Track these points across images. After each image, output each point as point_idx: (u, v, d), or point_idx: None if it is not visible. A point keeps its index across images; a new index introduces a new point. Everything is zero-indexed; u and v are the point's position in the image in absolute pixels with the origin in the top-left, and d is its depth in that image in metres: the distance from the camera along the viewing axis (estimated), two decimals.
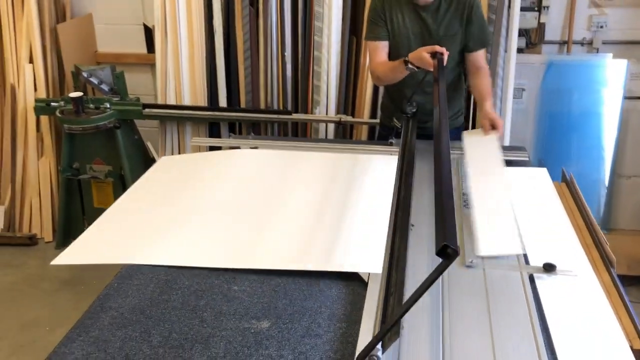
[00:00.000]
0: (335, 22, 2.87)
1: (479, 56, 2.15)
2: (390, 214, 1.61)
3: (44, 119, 3.28)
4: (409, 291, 1.28)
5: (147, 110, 3.00)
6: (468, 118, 2.82)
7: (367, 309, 1.28)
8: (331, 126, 3.03)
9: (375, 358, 0.97)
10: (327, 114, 2.98)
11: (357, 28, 3.00)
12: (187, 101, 3.10)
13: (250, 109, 3.02)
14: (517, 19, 2.76)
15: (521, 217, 1.63)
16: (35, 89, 3.29)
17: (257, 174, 1.95)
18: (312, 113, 2.97)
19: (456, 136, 2.24)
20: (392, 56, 2.14)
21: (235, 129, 3.14)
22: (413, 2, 2.07)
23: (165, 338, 1.25)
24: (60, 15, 3.37)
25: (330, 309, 1.32)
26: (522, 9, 3.02)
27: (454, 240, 0.92)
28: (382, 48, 2.14)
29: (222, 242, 1.57)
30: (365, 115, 2.94)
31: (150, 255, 1.51)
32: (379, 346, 0.98)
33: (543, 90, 3.12)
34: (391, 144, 2.17)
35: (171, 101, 3.11)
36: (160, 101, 3.13)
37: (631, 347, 1.22)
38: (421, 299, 1.27)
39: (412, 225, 1.60)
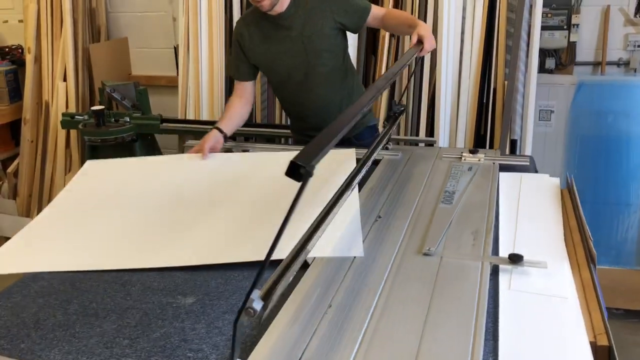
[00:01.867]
0: (352, 40, 2.83)
1: (373, 16, 2.05)
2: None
3: (73, 136, 3.39)
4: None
5: (164, 124, 3.03)
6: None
7: (298, 288, 1.18)
8: None
9: (251, 310, 0.86)
10: None
11: (376, 46, 2.95)
12: (205, 116, 3.12)
13: (265, 124, 3.00)
14: (537, 33, 2.63)
15: (509, 216, 1.50)
16: (67, 106, 3.41)
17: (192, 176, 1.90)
18: None
19: (369, 135, 2.14)
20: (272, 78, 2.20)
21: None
22: (266, 18, 2.03)
23: (84, 307, 1.19)
24: (96, 37, 3.52)
25: None
26: (550, 28, 2.89)
27: (309, 160, 0.82)
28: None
29: (146, 242, 1.48)
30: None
31: (70, 260, 1.39)
32: (257, 299, 0.87)
33: (573, 112, 2.94)
34: (387, 149, 2.06)
35: (190, 117, 3.15)
36: (180, 116, 3.17)
37: (595, 344, 1.04)
38: (358, 281, 1.17)
39: (379, 217, 1.49)
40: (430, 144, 2.73)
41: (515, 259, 1.24)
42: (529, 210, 1.56)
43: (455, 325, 1.04)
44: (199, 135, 3.09)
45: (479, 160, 1.89)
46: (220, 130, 2.07)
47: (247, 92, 2.18)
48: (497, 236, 1.41)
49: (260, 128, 2.97)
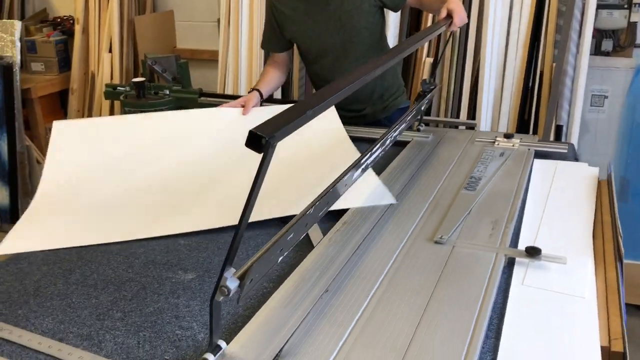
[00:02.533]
0: (394, 21, 2.73)
1: None
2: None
3: (117, 107, 3.45)
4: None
5: (203, 98, 3.03)
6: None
7: (298, 269, 1.14)
8: None
9: (225, 289, 0.83)
10: None
11: (419, 28, 2.84)
12: (243, 92, 3.10)
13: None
14: (592, 11, 2.46)
15: (536, 206, 1.41)
16: (112, 78, 3.47)
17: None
18: None
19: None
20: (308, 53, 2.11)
21: None
22: None
23: (84, 277, 1.19)
24: (142, 9, 3.55)
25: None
26: (609, 6, 2.70)
27: (271, 131, 0.77)
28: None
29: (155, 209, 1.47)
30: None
31: (82, 235, 1.36)
32: (231, 278, 0.84)
33: (630, 98, 2.75)
34: (418, 130, 1.98)
35: (229, 92, 3.13)
36: (219, 91, 3.16)
37: (609, 349, 0.96)
38: (360, 266, 1.12)
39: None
40: (470, 127, 2.62)
41: (532, 252, 1.16)
42: (559, 201, 1.46)
43: (455, 319, 0.97)
44: None
45: (513, 146, 1.78)
46: (260, 92, 2.06)
47: (281, 61, 2.16)
48: (519, 227, 1.32)
49: (277, 104, 2.91)
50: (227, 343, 0.92)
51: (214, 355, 0.89)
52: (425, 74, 2.73)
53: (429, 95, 1.90)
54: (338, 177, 1.19)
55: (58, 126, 1.73)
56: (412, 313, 0.99)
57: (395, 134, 1.55)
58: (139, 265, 1.23)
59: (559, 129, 2.49)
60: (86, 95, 3.57)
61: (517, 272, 1.14)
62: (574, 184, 1.56)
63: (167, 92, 3.09)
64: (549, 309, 1.03)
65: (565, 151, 1.76)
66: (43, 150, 3.70)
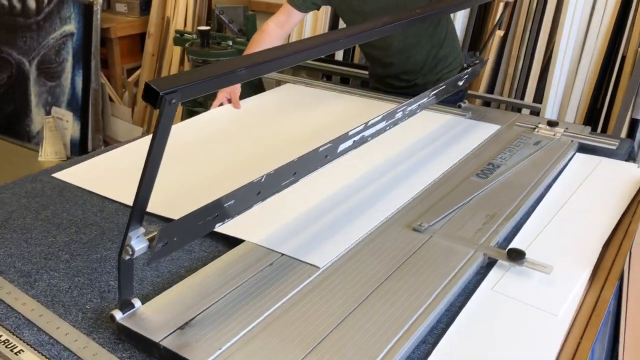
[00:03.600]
0: None
1: None
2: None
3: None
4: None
5: None
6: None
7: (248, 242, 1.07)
8: None
9: (129, 248, 0.78)
10: None
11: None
12: None
13: (363, 65, 2.83)
14: None
15: (552, 205, 1.26)
16: (185, 24, 3.50)
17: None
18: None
19: (453, 102, 1.82)
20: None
21: (349, 82, 2.98)
22: None
23: (54, 215, 1.19)
24: None
25: None
26: None
27: (167, 86, 0.69)
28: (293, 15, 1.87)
29: None
30: (481, 89, 2.56)
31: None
32: (136, 238, 0.79)
33: None
34: (459, 107, 1.82)
35: None
36: None
37: None
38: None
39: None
40: (535, 112, 2.41)
41: (514, 255, 1.02)
42: (583, 202, 1.28)
43: (391, 318, 0.87)
44: (297, 69, 3.03)
45: (555, 135, 1.59)
46: None
47: (290, 24, 1.92)
48: (520, 226, 1.17)
49: (356, 69, 2.81)
50: (143, 303, 0.89)
51: (122, 313, 0.85)
52: (493, 48, 2.52)
53: (469, 70, 1.73)
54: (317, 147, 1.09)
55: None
56: (345, 305, 0.90)
57: (411, 107, 1.42)
58: (110, 211, 1.21)
59: (634, 123, 2.22)
60: (161, 40, 3.64)
61: (492, 275, 1.01)
62: (609, 185, 1.36)
63: (231, 43, 3.07)
64: (510, 322, 0.90)
65: (615, 147, 1.55)
66: (118, 89, 3.84)
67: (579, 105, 2.36)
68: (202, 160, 1.44)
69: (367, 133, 1.25)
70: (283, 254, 1.03)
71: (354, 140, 1.21)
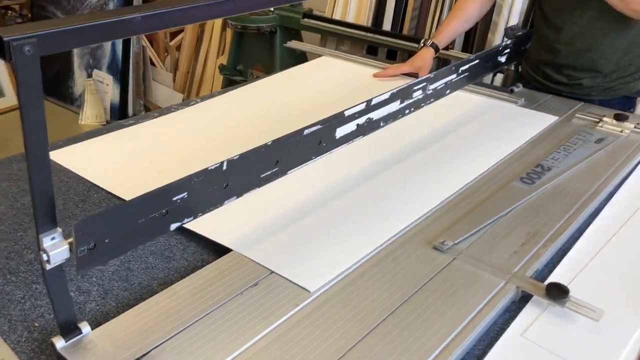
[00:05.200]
0: None
1: None
2: None
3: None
4: None
5: (306, 20, 2.79)
6: None
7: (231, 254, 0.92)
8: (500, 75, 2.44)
9: (44, 254, 0.64)
10: None
11: None
12: (351, 18, 2.81)
13: (411, 36, 2.59)
14: None
15: (609, 223, 1.04)
16: None
17: None
18: None
19: (621, 106, 1.55)
20: None
21: (396, 57, 2.75)
22: None
23: None
24: None
25: None
26: None
27: (20, 31, 0.53)
28: None
29: None
30: None
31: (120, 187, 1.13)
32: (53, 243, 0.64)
33: None
34: (511, 92, 1.59)
35: (337, 16, 2.85)
36: (327, 14, 2.90)
37: None
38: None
39: None
40: None
41: (554, 291, 0.82)
42: None
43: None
44: (341, 38, 2.82)
45: (622, 131, 1.35)
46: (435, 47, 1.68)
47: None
48: (567, 249, 0.97)
49: (404, 41, 2.57)
50: (94, 328, 0.75)
51: (65, 341, 0.72)
52: None
53: (507, 42, 1.49)
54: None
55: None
56: (338, 344, 0.73)
57: (434, 85, 1.20)
58: (93, 202, 1.08)
59: None
60: None
61: (525, 315, 0.82)
62: None
63: (272, 8, 2.89)
64: None
65: None
66: (160, 53, 3.73)
67: None
68: (200, 144, 1.29)
69: (374, 116, 1.05)
70: (272, 272, 0.86)
71: (357, 125, 1.02)
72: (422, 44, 1.69)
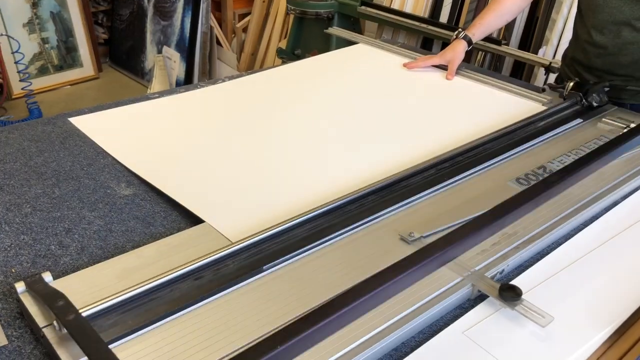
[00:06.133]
0: None
1: None
2: None
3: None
4: None
5: (363, 8, 2.78)
6: None
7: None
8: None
9: None
10: (554, 57, 2.31)
11: None
12: (408, 8, 2.77)
13: (430, 20, 2.53)
14: None
15: (603, 231, 1.01)
16: None
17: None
18: (533, 52, 2.34)
19: None
20: None
21: None
22: None
23: (44, 164, 1.16)
24: None
25: None
26: None
27: None
28: None
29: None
30: None
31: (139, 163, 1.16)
32: None
33: None
34: (543, 90, 1.54)
35: (396, 6, 2.83)
36: (386, 3, 2.88)
37: None
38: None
39: None
40: None
41: (507, 293, 0.81)
42: (634, 242, 1.00)
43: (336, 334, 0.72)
44: (397, 28, 2.79)
45: None
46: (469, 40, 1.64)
47: None
48: (546, 254, 0.94)
49: (440, 28, 2.49)
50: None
51: (26, 287, 0.78)
52: None
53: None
54: None
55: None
56: (285, 309, 0.76)
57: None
58: (98, 167, 1.15)
59: None
60: None
61: (474, 313, 0.81)
62: None
63: None
64: None
65: None
66: (227, 34, 3.83)
67: None
68: (210, 125, 1.34)
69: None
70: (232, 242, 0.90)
71: None
72: (455, 36, 1.66)
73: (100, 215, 1.00)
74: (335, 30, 1.95)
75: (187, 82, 3.67)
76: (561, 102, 1.42)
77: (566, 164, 1.16)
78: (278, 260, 0.85)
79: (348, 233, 0.94)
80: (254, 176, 1.12)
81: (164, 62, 3.71)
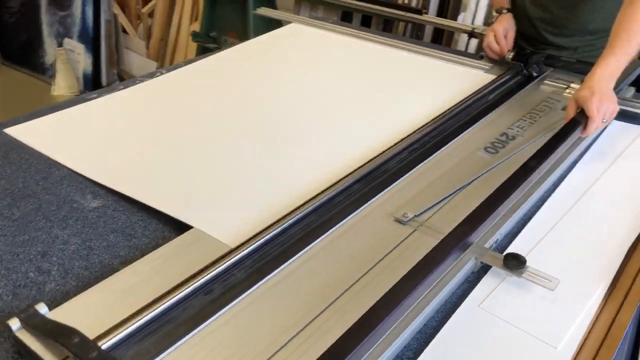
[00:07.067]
0: None
1: None
2: None
3: None
4: None
5: None
6: None
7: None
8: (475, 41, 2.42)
9: None
10: (472, 23, 2.39)
11: None
12: None
13: (383, 1, 2.55)
14: None
15: (570, 192, 1.05)
16: None
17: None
18: (451, 19, 2.41)
19: None
20: None
21: (370, 23, 2.72)
22: None
23: None
24: None
25: None
26: None
27: None
28: None
29: None
30: None
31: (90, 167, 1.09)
32: None
33: None
34: (481, 57, 1.58)
35: None
36: None
37: None
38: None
39: None
40: None
41: (511, 262, 0.83)
42: (611, 190, 1.07)
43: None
44: (315, 4, 2.77)
45: None
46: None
47: None
48: (528, 219, 0.98)
49: (376, 5, 2.51)
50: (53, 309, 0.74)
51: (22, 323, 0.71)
52: None
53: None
54: None
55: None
56: (296, 316, 0.74)
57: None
58: (54, 179, 1.06)
59: None
60: None
61: (483, 286, 0.83)
62: None
63: None
64: (494, 354, 0.73)
65: None
66: (132, 21, 3.65)
67: None
68: (162, 120, 1.27)
69: None
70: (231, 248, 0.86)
71: None
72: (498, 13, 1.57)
73: (74, 233, 0.93)
74: (264, 11, 1.90)
75: (95, 74, 3.46)
76: (506, 72, 1.47)
77: (524, 128, 1.22)
78: (285, 259, 0.83)
79: (344, 222, 0.93)
80: (230, 171, 1.08)
81: (66, 55, 3.48)
